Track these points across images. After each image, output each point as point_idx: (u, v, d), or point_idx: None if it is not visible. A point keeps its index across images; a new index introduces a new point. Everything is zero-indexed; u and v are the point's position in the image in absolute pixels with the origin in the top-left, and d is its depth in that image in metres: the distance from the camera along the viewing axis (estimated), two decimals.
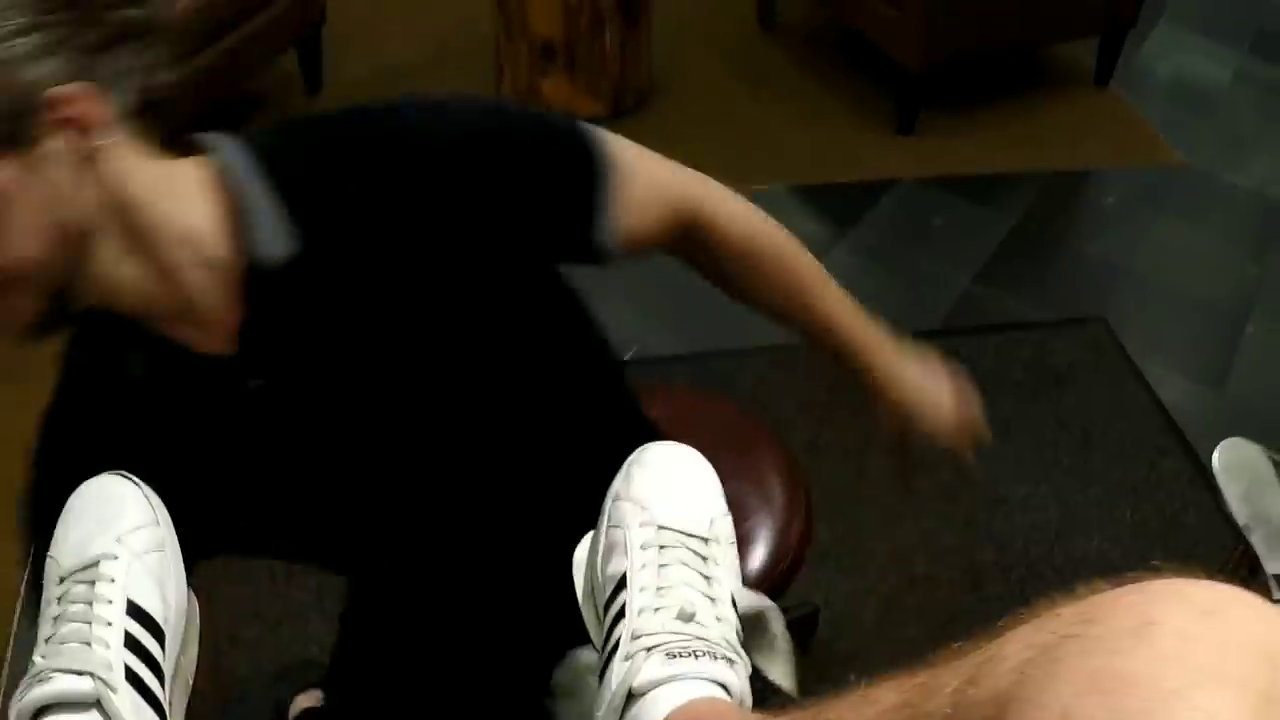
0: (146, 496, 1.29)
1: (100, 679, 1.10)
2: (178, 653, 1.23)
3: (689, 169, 1.55)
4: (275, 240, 1.28)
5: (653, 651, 1.07)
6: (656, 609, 1.11)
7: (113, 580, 1.19)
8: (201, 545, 1.38)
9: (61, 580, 1.21)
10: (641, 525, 1.19)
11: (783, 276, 1.66)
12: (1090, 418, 3.29)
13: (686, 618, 1.10)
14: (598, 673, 1.14)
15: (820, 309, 1.69)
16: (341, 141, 1.35)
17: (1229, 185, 4.31)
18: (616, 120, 4.38)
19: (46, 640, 1.16)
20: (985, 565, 2.88)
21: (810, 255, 1.67)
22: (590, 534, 1.30)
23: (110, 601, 1.17)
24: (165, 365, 1.34)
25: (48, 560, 1.26)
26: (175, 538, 1.29)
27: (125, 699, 1.11)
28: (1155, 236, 4.04)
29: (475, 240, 1.36)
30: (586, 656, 1.62)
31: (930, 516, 2.99)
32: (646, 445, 1.29)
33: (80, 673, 1.11)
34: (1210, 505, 3.01)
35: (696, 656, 1.06)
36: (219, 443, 1.42)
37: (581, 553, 1.31)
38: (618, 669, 1.08)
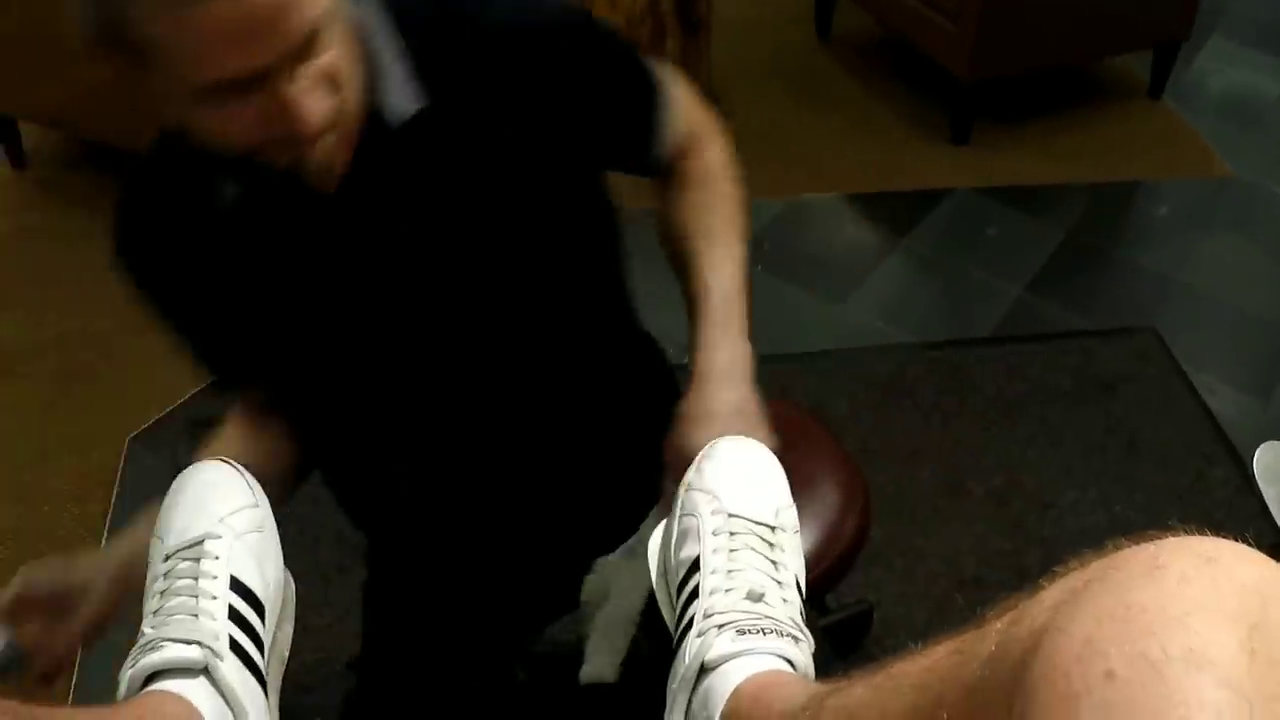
0: (247, 481, 1.38)
1: (208, 648, 1.17)
2: (275, 627, 1.31)
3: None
4: (403, 98, 1.42)
5: (724, 629, 1.15)
6: (728, 590, 1.19)
7: (217, 558, 1.26)
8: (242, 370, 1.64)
9: (167, 558, 1.29)
10: (713, 513, 1.28)
11: (699, 221, 1.71)
12: (1138, 425, 3.34)
13: (756, 598, 1.18)
14: (673, 644, 1.23)
15: (699, 279, 1.65)
16: (464, 15, 1.48)
17: (1279, 198, 4.36)
18: None
19: (155, 613, 1.23)
20: (1033, 568, 2.92)
21: (739, 225, 1.71)
22: (664, 521, 1.39)
23: (215, 577, 1.24)
24: (258, 196, 1.45)
25: (152, 540, 1.35)
26: (273, 520, 1.39)
27: (231, 667, 1.18)
28: (1205, 248, 4.07)
29: (565, 127, 1.51)
30: (607, 565, 1.70)
31: (981, 520, 3.05)
32: (717, 440, 1.39)
33: (189, 641, 1.17)
34: (1256, 512, 3.07)
35: (764, 634, 1.14)
36: (285, 272, 1.53)
37: (656, 538, 1.40)
38: (692, 644, 1.16)
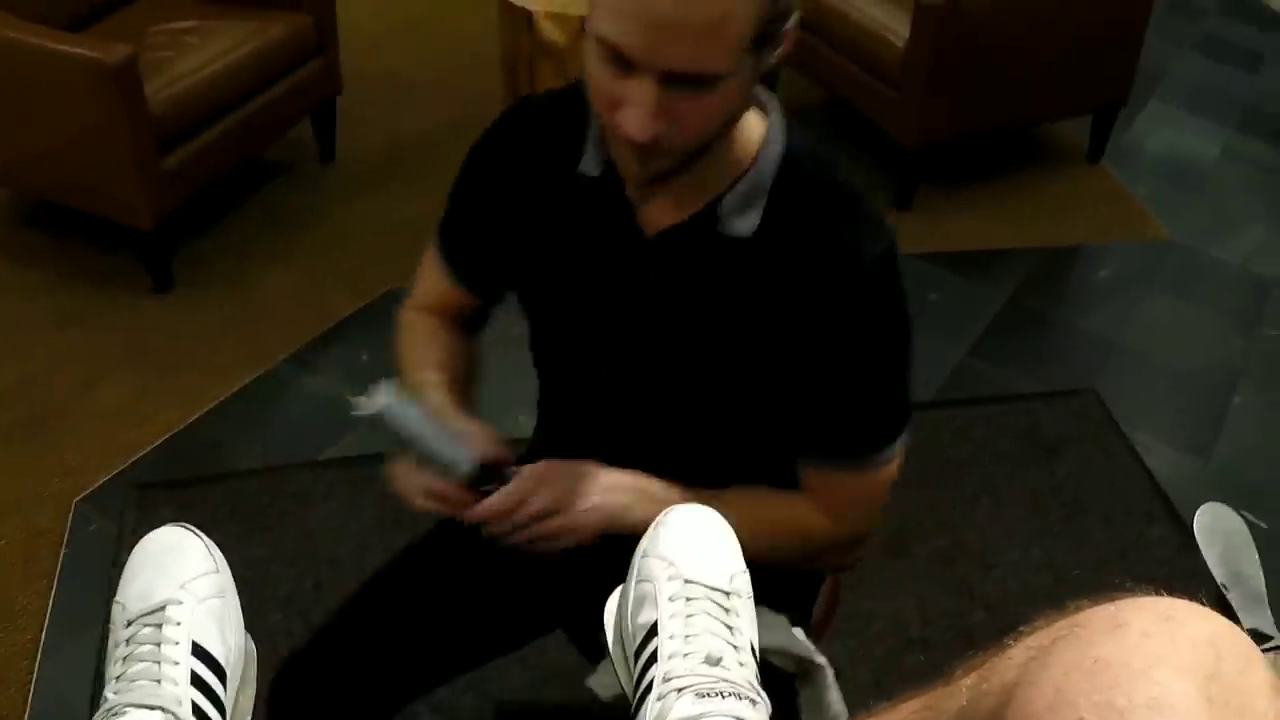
0: (207, 546, 1.39)
1: (171, 713, 1.18)
2: (236, 691, 1.32)
3: None
4: (743, 219, 1.58)
5: (684, 692, 1.17)
6: (685, 654, 1.22)
7: (178, 623, 1.27)
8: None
9: (129, 623, 1.30)
10: (669, 579, 1.30)
11: (759, 499, 1.79)
12: (1081, 485, 3.39)
13: (714, 661, 1.20)
14: (632, 709, 1.25)
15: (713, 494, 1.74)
16: (831, 193, 1.61)
17: (1216, 260, 4.42)
18: None
19: (117, 678, 1.24)
20: (978, 627, 2.97)
21: (764, 535, 1.67)
22: (619, 587, 1.41)
23: (177, 643, 1.26)
24: (603, 188, 1.63)
25: (114, 605, 1.36)
26: (233, 585, 1.40)
27: None
28: (1143, 310, 4.15)
29: (805, 350, 1.61)
30: None
31: (926, 580, 3.08)
32: (671, 507, 1.41)
33: (152, 707, 1.19)
34: (1196, 569, 3.11)
35: (723, 696, 1.16)
36: (566, 247, 1.72)
37: (612, 604, 1.42)
38: (652, 707, 1.18)
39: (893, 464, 1.73)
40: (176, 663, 1.24)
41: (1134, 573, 3.12)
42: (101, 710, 1.22)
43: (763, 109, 1.61)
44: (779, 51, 1.45)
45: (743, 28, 1.33)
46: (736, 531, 1.59)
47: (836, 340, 1.59)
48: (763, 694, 1.21)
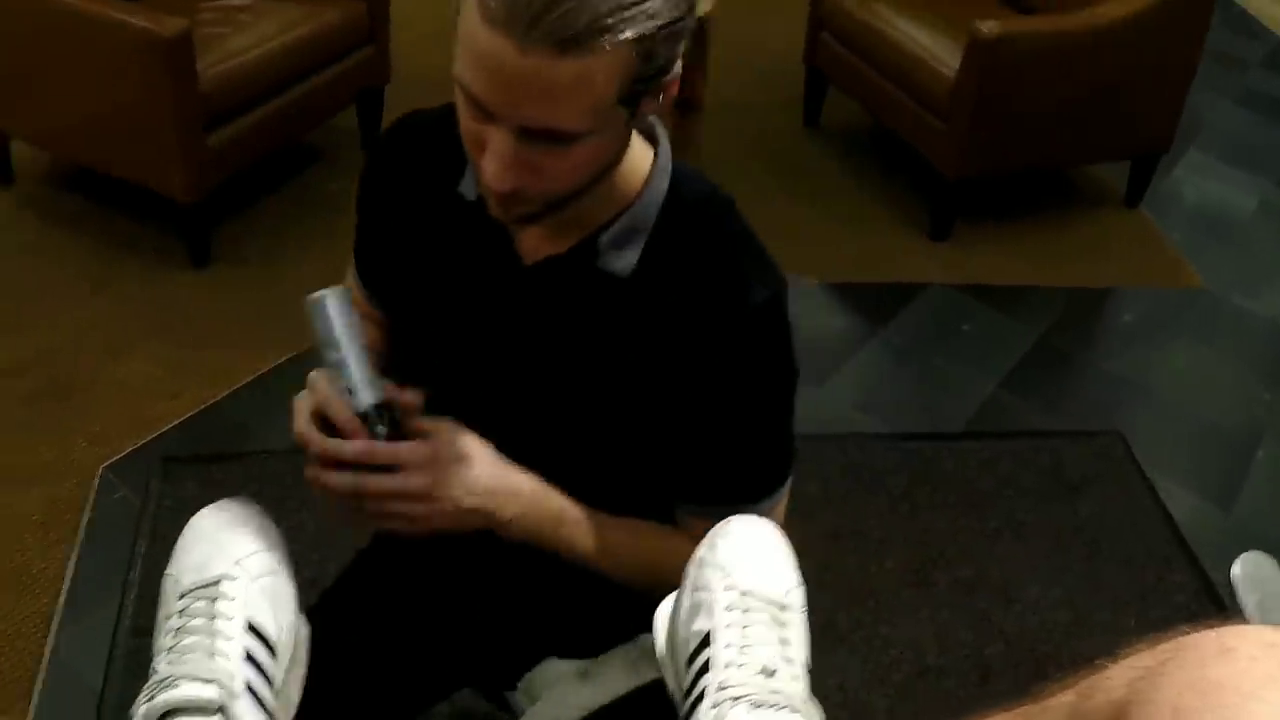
0: (264, 523, 1.41)
1: (225, 687, 1.19)
2: (286, 671, 1.32)
3: None
4: (621, 258, 1.55)
5: (739, 701, 1.18)
6: (741, 664, 1.22)
7: (233, 599, 1.28)
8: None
9: (182, 596, 1.30)
10: (726, 589, 1.30)
11: (638, 531, 1.72)
12: (1102, 526, 3.38)
13: (769, 674, 1.20)
14: (680, 716, 1.25)
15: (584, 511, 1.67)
16: (712, 233, 1.58)
17: (1246, 312, 4.41)
18: None
19: (169, 649, 1.24)
20: (994, 660, 2.96)
21: (633, 561, 1.68)
22: (673, 594, 1.42)
23: (231, 618, 1.26)
24: (480, 214, 1.53)
25: (165, 577, 1.36)
26: (289, 564, 1.41)
27: (245, 708, 1.20)
28: (1172, 357, 4.14)
29: (688, 388, 1.56)
30: (558, 668, 1.76)
31: (945, 610, 3.07)
32: (730, 518, 1.42)
33: (206, 680, 1.19)
34: (1213, 617, 3.11)
35: (778, 708, 1.17)
36: (450, 270, 1.66)
37: (664, 610, 1.43)
38: (705, 715, 1.18)
39: (778, 508, 1.67)
40: (230, 638, 1.25)
41: (1152, 616, 3.12)
42: (153, 681, 1.22)
43: (652, 141, 1.56)
44: (659, 103, 1.40)
45: (602, 89, 1.28)
46: (631, 564, 1.64)
47: (719, 385, 1.55)
48: (817, 707, 1.21)
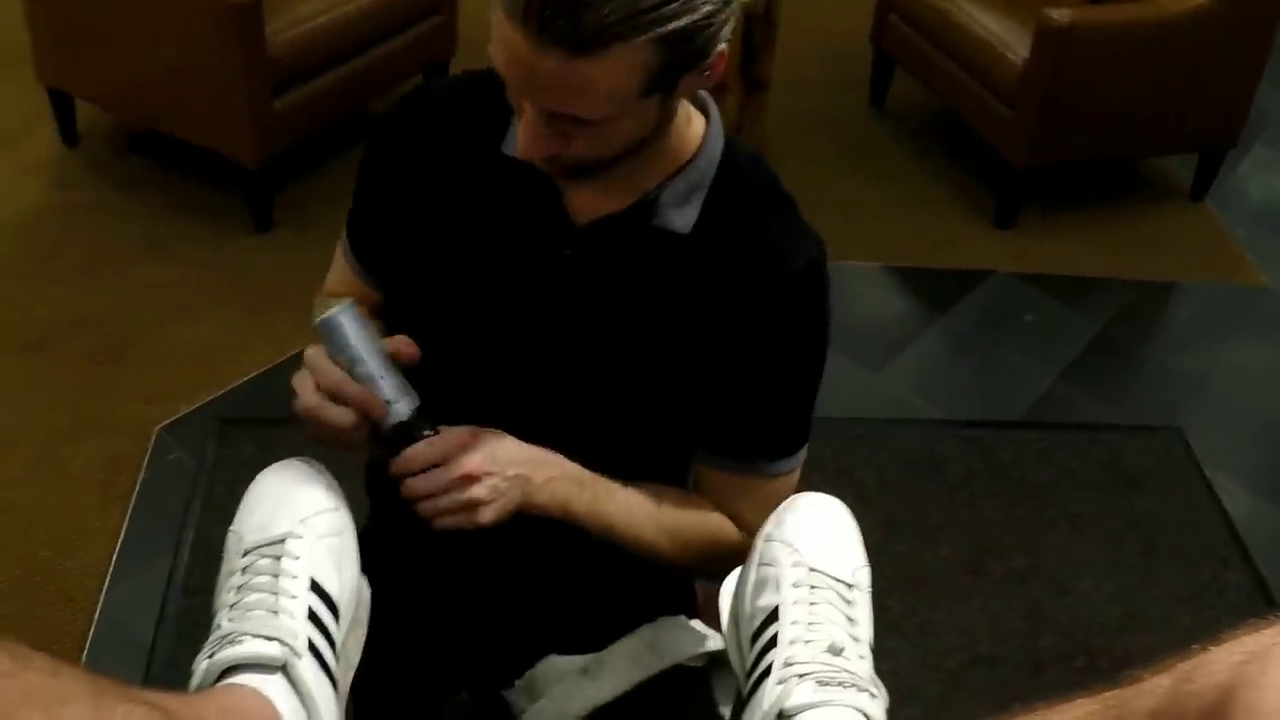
0: (329, 483, 1.40)
1: (288, 645, 1.17)
2: (347, 632, 1.31)
3: None
4: (680, 216, 1.54)
5: (805, 678, 1.17)
6: (808, 641, 1.21)
7: (297, 558, 1.27)
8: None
9: (246, 553, 1.30)
10: (794, 565, 1.29)
11: (665, 500, 1.71)
12: (1159, 522, 3.35)
13: (836, 651, 1.20)
14: (744, 691, 1.24)
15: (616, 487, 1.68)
16: (761, 198, 1.59)
17: None
18: None
19: (231, 606, 1.23)
20: (1046, 652, 2.95)
21: (668, 535, 1.68)
22: (739, 569, 1.41)
23: (295, 577, 1.25)
24: (527, 170, 1.50)
25: (229, 534, 1.36)
26: (353, 525, 1.40)
27: (308, 667, 1.18)
28: (1234, 354, 4.10)
29: (726, 349, 1.57)
30: (559, 665, 1.72)
31: (998, 599, 3.06)
32: (799, 494, 1.41)
33: (269, 638, 1.18)
34: (1266, 615, 3.07)
35: (844, 686, 1.16)
36: (485, 228, 1.62)
37: (730, 584, 1.42)
38: (770, 691, 1.17)
39: (794, 475, 1.70)
40: (294, 596, 1.24)
41: (1206, 614, 3.10)
42: (215, 636, 1.21)
43: (703, 108, 1.58)
44: (705, 77, 1.40)
45: (620, 84, 1.29)
46: (653, 528, 1.63)
47: (756, 342, 1.56)
48: (881, 687, 1.20)
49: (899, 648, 2.88)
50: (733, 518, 1.69)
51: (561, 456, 1.58)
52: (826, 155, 4.87)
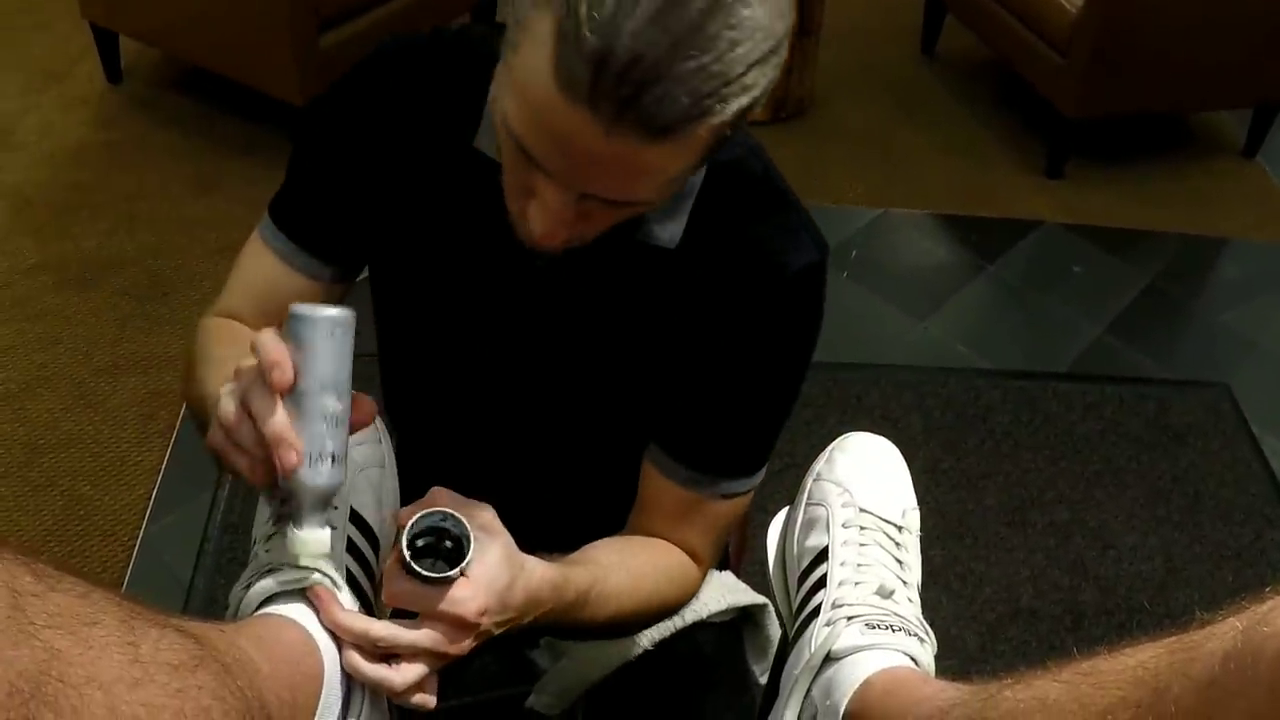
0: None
1: (327, 576, 1.16)
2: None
3: None
4: (667, 230, 1.38)
5: (853, 621, 1.15)
6: (857, 583, 1.19)
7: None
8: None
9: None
10: (843, 506, 1.27)
11: (631, 554, 1.53)
12: (1203, 479, 3.32)
13: (885, 594, 1.18)
14: (790, 632, 1.23)
15: (594, 564, 1.45)
16: (760, 198, 1.41)
17: None
18: (774, 125, 4.47)
19: (269, 537, 1.22)
20: (1087, 606, 2.93)
21: (637, 599, 1.49)
22: (786, 509, 1.39)
23: (335, 507, 1.22)
24: (498, 186, 1.28)
25: None
26: (394, 459, 1.38)
27: (347, 600, 1.17)
28: None
29: (704, 352, 1.43)
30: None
31: (1040, 552, 3.04)
32: (849, 434, 1.38)
33: (309, 569, 1.16)
34: None
35: (893, 630, 1.14)
36: (449, 218, 1.45)
37: (777, 523, 1.40)
38: (818, 632, 1.16)
39: (745, 501, 1.53)
40: (335, 527, 1.21)
41: (1247, 573, 3.08)
42: (253, 566, 1.20)
43: None
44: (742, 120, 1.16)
45: (681, 166, 1.13)
46: (630, 595, 1.44)
47: (740, 346, 1.41)
48: (930, 633, 1.18)
49: (940, 597, 2.86)
50: (681, 545, 1.53)
51: (558, 575, 1.30)
52: (876, 102, 4.84)
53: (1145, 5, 4.10)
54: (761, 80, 1.08)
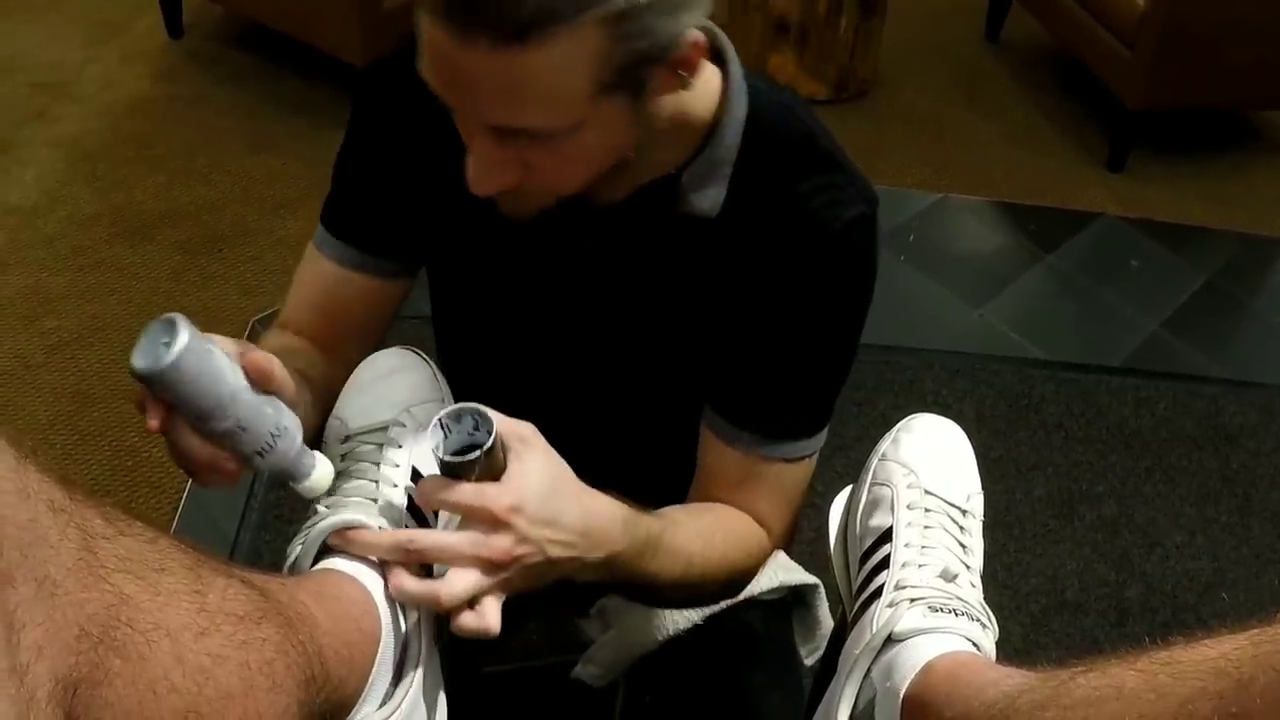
0: (434, 373, 1.35)
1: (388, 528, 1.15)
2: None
3: None
4: (707, 199, 1.35)
5: (916, 603, 1.13)
6: (920, 565, 1.18)
7: (400, 446, 1.23)
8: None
9: (346, 439, 1.26)
10: (909, 487, 1.26)
11: (704, 517, 1.50)
12: (1254, 481, 3.29)
13: (949, 578, 1.16)
14: (850, 612, 1.21)
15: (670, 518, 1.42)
16: (801, 158, 1.37)
17: None
18: (835, 105, 4.45)
19: (330, 493, 1.20)
20: (1132, 603, 2.90)
21: (706, 561, 1.43)
22: (849, 487, 1.37)
23: (397, 465, 1.22)
24: None
25: (330, 420, 1.32)
26: None
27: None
28: None
29: (747, 314, 1.41)
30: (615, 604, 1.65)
31: (1087, 546, 3.02)
32: (915, 414, 1.37)
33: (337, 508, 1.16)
34: None
35: (956, 614, 1.12)
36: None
37: (840, 502, 1.38)
38: (880, 613, 1.14)
39: (811, 464, 1.49)
40: (395, 485, 1.21)
41: None
42: (311, 521, 1.19)
43: (721, 60, 1.36)
44: (678, 76, 1.19)
45: (568, 82, 1.09)
46: (701, 554, 1.40)
47: (793, 307, 1.38)
48: (992, 618, 1.17)
49: (985, 585, 2.81)
50: (749, 513, 1.49)
51: (630, 514, 1.27)
52: (938, 85, 4.82)
53: (1214, 0, 4.06)
54: None
